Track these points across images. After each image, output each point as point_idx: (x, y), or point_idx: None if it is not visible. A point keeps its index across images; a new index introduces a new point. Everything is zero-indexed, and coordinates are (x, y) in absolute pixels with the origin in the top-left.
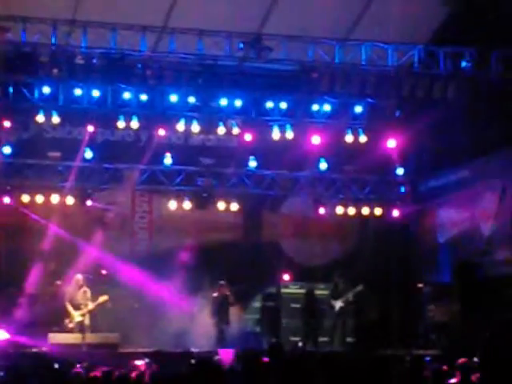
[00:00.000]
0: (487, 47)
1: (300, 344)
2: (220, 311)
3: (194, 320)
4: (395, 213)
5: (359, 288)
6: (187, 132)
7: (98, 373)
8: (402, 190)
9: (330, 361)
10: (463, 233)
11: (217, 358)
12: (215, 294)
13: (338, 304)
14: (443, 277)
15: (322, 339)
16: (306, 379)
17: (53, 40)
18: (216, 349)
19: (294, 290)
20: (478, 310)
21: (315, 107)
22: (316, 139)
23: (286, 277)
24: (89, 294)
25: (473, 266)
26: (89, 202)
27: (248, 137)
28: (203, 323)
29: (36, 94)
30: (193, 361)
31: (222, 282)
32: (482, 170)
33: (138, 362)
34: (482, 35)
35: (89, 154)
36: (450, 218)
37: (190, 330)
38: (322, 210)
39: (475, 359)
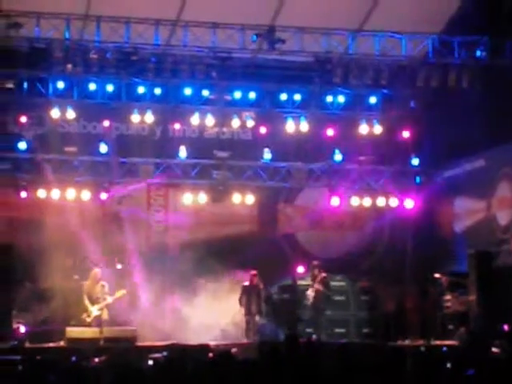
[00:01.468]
0: (502, 36)
1: (314, 336)
2: (248, 301)
3: (210, 313)
4: (411, 203)
5: (322, 275)
6: (202, 125)
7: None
8: (418, 180)
9: (345, 352)
10: (479, 222)
11: (234, 350)
12: (246, 283)
13: (311, 295)
14: (460, 267)
15: (337, 330)
16: (320, 371)
17: (66, 35)
18: (241, 340)
19: (310, 282)
20: (495, 299)
21: (329, 99)
22: (330, 131)
23: (301, 269)
24: (106, 288)
25: (489, 255)
26: (104, 196)
27: (262, 129)
28: (221, 316)
29: (50, 90)
30: (211, 354)
31: (253, 272)
32: (497, 159)
33: (156, 355)
34: (497, 24)
35: (104, 149)
36: (466, 208)
37: (208, 323)
38: (336, 201)
39: (493, 349)
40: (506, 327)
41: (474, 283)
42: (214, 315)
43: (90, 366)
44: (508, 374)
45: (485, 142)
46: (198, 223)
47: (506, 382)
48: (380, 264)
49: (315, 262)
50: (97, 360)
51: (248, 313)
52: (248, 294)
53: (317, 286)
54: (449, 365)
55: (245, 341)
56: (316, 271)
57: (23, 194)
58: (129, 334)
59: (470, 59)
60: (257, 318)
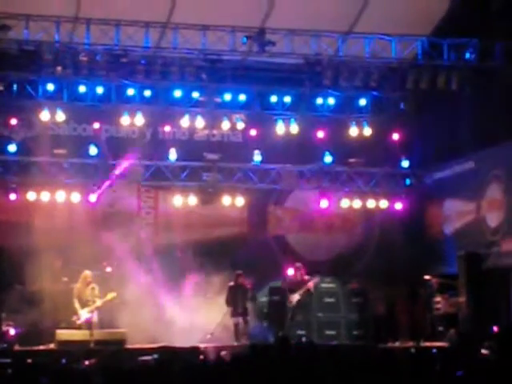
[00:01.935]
0: (491, 38)
1: (304, 339)
2: (234, 301)
3: (200, 315)
4: (400, 205)
5: (315, 280)
6: (192, 127)
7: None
8: (408, 182)
9: (336, 354)
10: (469, 224)
11: (224, 353)
12: (231, 284)
13: (295, 297)
14: (450, 268)
15: (328, 332)
16: (312, 372)
17: (56, 37)
18: (231, 342)
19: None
20: (484, 301)
21: (319, 101)
22: (320, 133)
23: (291, 271)
24: (97, 290)
25: (479, 257)
26: (93, 198)
27: (253, 131)
28: (210, 318)
29: (40, 92)
30: (201, 356)
31: (238, 272)
32: (487, 161)
33: (146, 358)
34: (486, 26)
35: (93, 151)
36: (456, 210)
37: (198, 325)
38: (326, 204)
39: (483, 351)
40: (495, 329)
41: (464, 285)
42: (203, 317)
43: (81, 368)
44: (497, 375)
45: (474, 144)
46: (188, 225)
47: (496, 383)
48: (370, 266)
49: (298, 264)
50: (87, 362)
51: (235, 313)
52: (234, 294)
53: (302, 290)
54: (438, 366)
55: (234, 343)
56: (299, 274)
57: (13, 197)
58: (119, 336)
59: (459, 61)
60: (246, 318)
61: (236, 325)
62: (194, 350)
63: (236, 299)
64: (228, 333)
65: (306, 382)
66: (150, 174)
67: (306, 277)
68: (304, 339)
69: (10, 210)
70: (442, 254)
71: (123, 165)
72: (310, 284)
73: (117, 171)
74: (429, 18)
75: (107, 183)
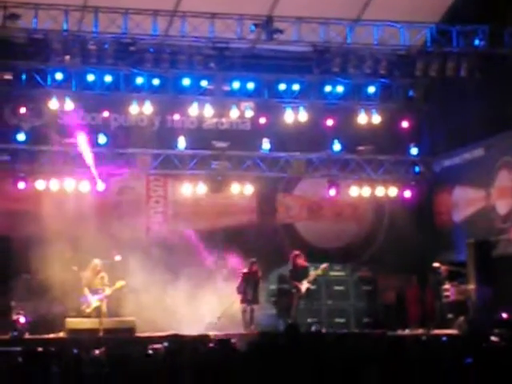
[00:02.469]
0: (500, 24)
1: (313, 327)
2: (247, 289)
3: (209, 303)
4: (410, 193)
5: (324, 266)
6: (200, 116)
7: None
8: (417, 169)
9: (345, 342)
10: (478, 212)
11: (233, 340)
12: (245, 270)
13: (305, 285)
14: (459, 256)
15: (337, 320)
16: (321, 361)
17: (64, 26)
18: (238, 330)
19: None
20: (493, 288)
21: (328, 88)
22: (329, 121)
23: (297, 259)
24: (106, 279)
25: (489, 244)
26: (101, 187)
27: (261, 119)
28: (218, 306)
29: (49, 81)
30: (211, 344)
31: (253, 260)
32: (496, 148)
33: (156, 346)
34: (495, 12)
35: (102, 140)
36: (465, 197)
37: (206, 313)
38: (334, 192)
39: (493, 338)
40: (504, 315)
41: (473, 272)
42: (211, 305)
43: (91, 357)
44: (507, 362)
45: (484, 131)
46: (198, 213)
47: (505, 370)
48: (379, 254)
49: (296, 252)
50: (97, 352)
51: (245, 300)
52: (246, 281)
53: (311, 277)
54: (448, 354)
55: (243, 331)
56: (299, 261)
57: (22, 185)
58: (128, 324)
59: (468, 48)
60: (254, 306)
61: (244, 312)
62: (204, 338)
63: (247, 286)
64: (235, 320)
65: (315, 370)
66: (158, 162)
67: (306, 263)
68: (314, 328)
69: (18, 198)
70: (452, 242)
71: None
72: (320, 269)
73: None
74: (437, 4)
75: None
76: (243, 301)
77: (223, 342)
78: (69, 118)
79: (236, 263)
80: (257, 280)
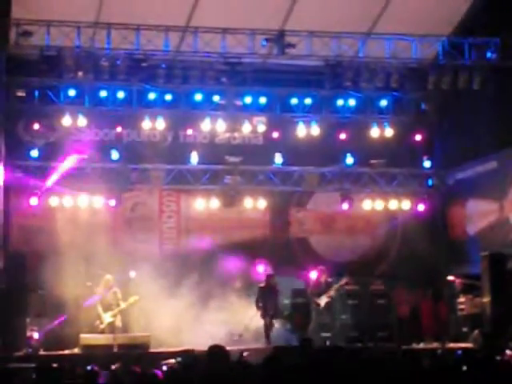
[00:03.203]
0: None
1: (328, 342)
2: (267, 303)
3: (224, 318)
4: (423, 206)
5: (343, 281)
6: (213, 131)
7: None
8: (430, 182)
9: (360, 356)
10: (492, 224)
11: (246, 354)
12: (262, 285)
13: (324, 300)
14: (473, 269)
15: (352, 334)
16: (335, 375)
17: (77, 43)
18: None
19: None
20: (508, 301)
21: (340, 102)
22: (342, 134)
23: (314, 274)
24: (119, 294)
25: (503, 257)
26: (113, 203)
27: (274, 134)
28: (234, 321)
29: (62, 97)
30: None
31: (270, 273)
32: (509, 160)
33: (170, 361)
34: (507, 25)
35: (115, 156)
36: (479, 210)
37: (220, 328)
38: (347, 205)
39: (507, 352)
40: None
41: (488, 285)
42: (229, 320)
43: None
44: None
45: (497, 144)
46: (211, 228)
47: None
48: (393, 267)
49: (321, 267)
50: (112, 367)
51: (265, 315)
52: (264, 295)
53: (332, 292)
54: (464, 367)
55: (260, 345)
56: (324, 277)
57: (34, 202)
58: (142, 340)
59: (480, 61)
60: (272, 321)
61: (266, 325)
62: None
63: (267, 301)
64: (254, 335)
65: None
66: (171, 177)
67: (330, 279)
68: (328, 342)
69: (32, 214)
70: (466, 255)
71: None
72: (340, 284)
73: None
74: (449, 17)
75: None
76: (264, 315)
77: (236, 356)
78: (82, 135)
79: (251, 277)
80: (276, 293)
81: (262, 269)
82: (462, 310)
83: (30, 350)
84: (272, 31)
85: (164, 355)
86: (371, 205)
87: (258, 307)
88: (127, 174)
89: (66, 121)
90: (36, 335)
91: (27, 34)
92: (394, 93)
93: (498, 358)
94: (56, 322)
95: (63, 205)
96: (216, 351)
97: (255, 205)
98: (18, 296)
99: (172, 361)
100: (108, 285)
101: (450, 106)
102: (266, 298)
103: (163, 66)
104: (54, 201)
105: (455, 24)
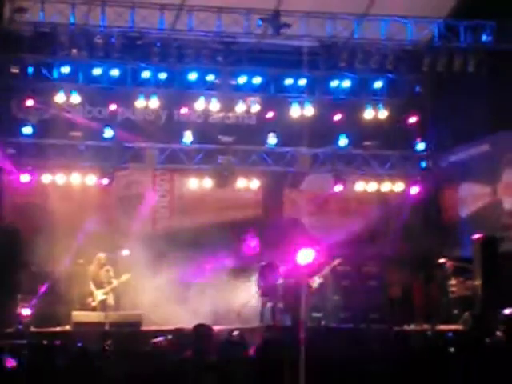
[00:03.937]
0: (507, 20)
1: (323, 322)
2: (266, 281)
3: (216, 298)
4: (416, 188)
5: (336, 262)
6: (207, 110)
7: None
8: (423, 165)
9: (352, 337)
10: (485, 207)
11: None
12: (263, 264)
13: (317, 281)
14: (465, 252)
15: (343, 315)
16: (328, 354)
17: (71, 20)
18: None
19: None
20: (499, 284)
21: (334, 83)
22: (336, 115)
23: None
24: (111, 272)
25: (495, 240)
26: (105, 181)
27: (268, 114)
28: (232, 300)
29: (55, 74)
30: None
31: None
32: (502, 143)
33: (159, 339)
34: (502, 8)
35: (109, 133)
36: (472, 193)
37: (213, 308)
38: (340, 187)
39: (498, 333)
40: (506, 312)
41: (479, 268)
42: (224, 300)
43: (97, 350)
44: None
45: (490, 127)
46: (204, 208)
47: (510, 365)
48: (385, 249)
49: (316, 248)
50: (103, 344)
51: (264, 294)
52: (264, 274)
53: (326, 272)
54: (452, 349)
55: (253, 325)
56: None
57: (26, 178)
58: (134, 318)
59: (475, 43)
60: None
61: (264, 304)
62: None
63: (265, 280)
64: (251, 315)
65: (323, 364)
66: (165, 156)
67: (324, 259)
68: (323, 322)
69: (25, 191)
70: (458, 237)
71: None
72: (333, 265)
73: None
74: (445, 0)
75: None
76: (263, 294)
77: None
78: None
79: (242, 255)
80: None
81: (253, 243)
82: (453, 292)
83: (21, 327)
84: (267, 11)
85: (156, 333)
86: (364, 186)
87: (258, 286)
88: (121, 152)
89: (60, 98)
90: (27, 311)
91: (21, 10)
92: (389, 75)
93: (488, 340)
94: (40, 294)
95: (56, 182)
96: (201, 330)
97: (248, 185)
98: (9, 272)
99: (161, 338)
100: (100, 263)
101: (444, 89)
102: (265, 278)
103: (158, 44)
104: (46, 178)
105: (451, 6)
